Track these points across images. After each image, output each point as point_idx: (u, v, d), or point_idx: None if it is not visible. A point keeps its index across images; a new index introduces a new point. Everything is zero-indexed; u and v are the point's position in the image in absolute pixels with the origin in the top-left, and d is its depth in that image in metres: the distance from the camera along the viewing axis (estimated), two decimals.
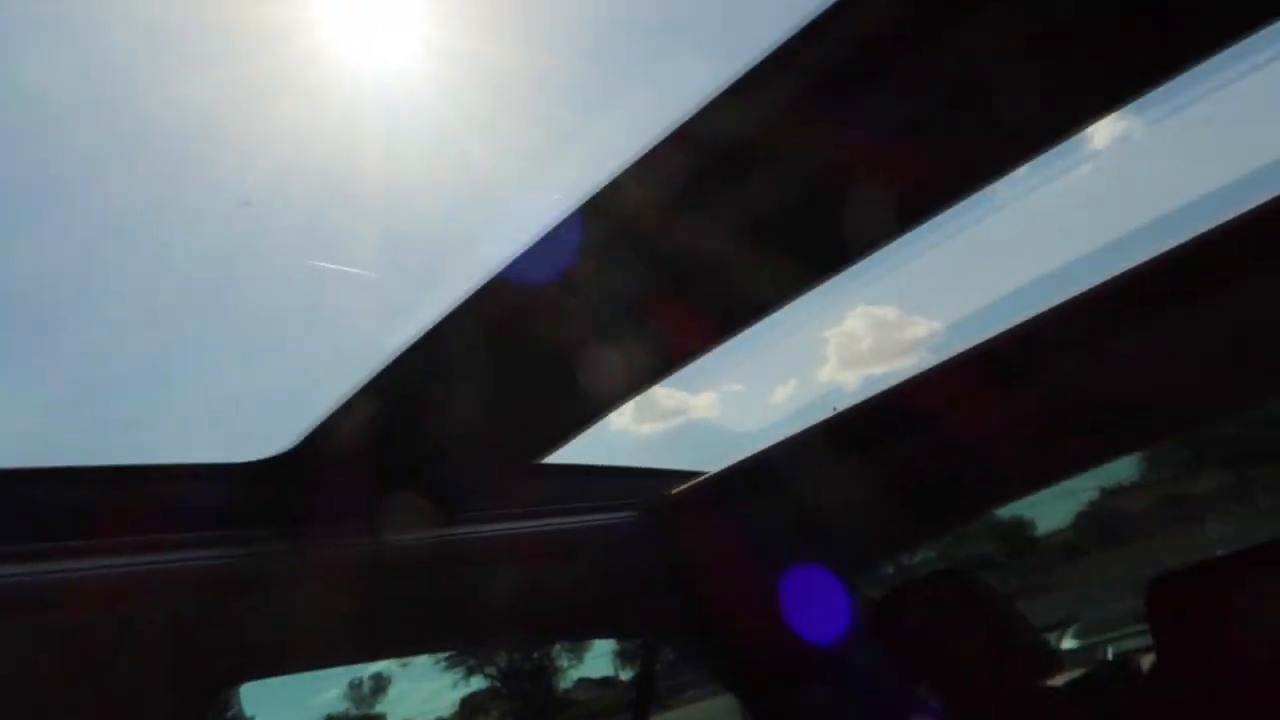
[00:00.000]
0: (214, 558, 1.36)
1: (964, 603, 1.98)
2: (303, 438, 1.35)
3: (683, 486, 2.25)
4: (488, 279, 1.10)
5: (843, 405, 2.06)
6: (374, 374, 1.23)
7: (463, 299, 1.13)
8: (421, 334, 1.17)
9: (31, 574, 1.22)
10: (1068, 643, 2.75)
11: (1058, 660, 2.00)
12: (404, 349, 1.20)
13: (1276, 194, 1.45)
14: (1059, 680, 2.12)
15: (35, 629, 1.22)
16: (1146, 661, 2.08)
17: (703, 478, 2.25)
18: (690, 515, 2.24)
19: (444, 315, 1.15)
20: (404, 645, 1.91)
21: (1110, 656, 2.46)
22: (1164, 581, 1.74)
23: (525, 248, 1.06)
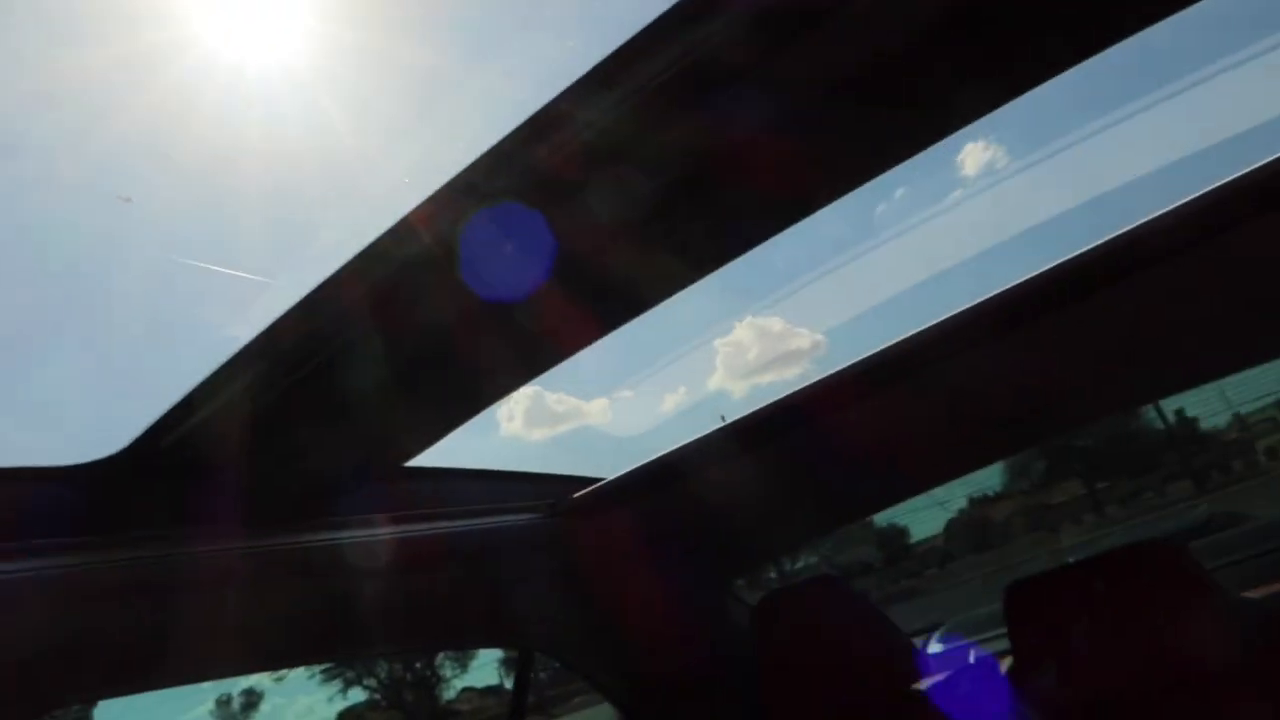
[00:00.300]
0: (48, 568, 1.23)
1: (836, 608, 2.03)
2: (137, 437, 1.24)
3: (572, 493, 2.22)
4: (338, 269, 1.04)
5: (730, 413, 2.09)
6: (219, 368, 1.14)
7: (312, 289, 1.06)
8: (271, 325, 1.09)
9: None
10: (934, 646, 2.86)
11: (925, 664, 2.07)
12: (251, 341, 1.11)
13: (1140, 220, 1.56)
14: (924, 684, 2.20)
15: None
16: (1006, 663, 2.20)
17: (594, 485, 2.23)
18: (579, 522, 2.21)
19: (292, 306, 1.08)
20: (265, 659, 1.79)
21: (973, 660, 2.58)
22: (1021, 587, 1.84)
23: (380, 238, 1.01)
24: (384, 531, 1.70)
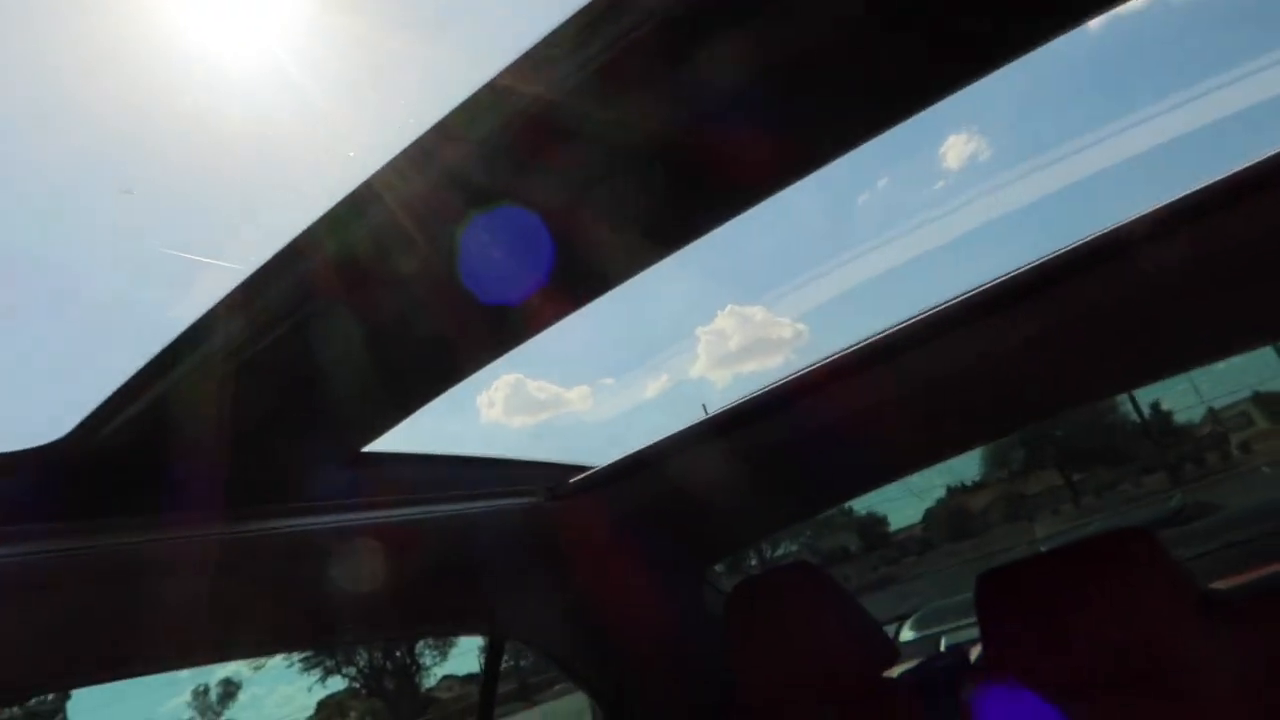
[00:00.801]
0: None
1: (809, 594, 2.03)
2: (81, 422, 1.21)
3: (551, 480, 2.21)
4: (287, 246, 1.01)
5: (711, 401, 2.11)
6: (165, 351, 1.11)
7: (259, 268, 1.03)
8: (218, 304, 1.06)
9: None
10: (906, 634, 2.89)
11: (895, 652, 2.08)
12: (198, 321, 1.08)
13: (1118, 214, 1.57)
14: (895, 671, 2.22)
15: None
16: (975, 651, 2.21)
17: (574, 473, 2.22)
18: (557, 509, 2.21)
19: (239, 284, 1.05)
20: (229, 649, 1.76)
21: (944, 647, 2.60)
22: (991, 576, 1.86)
23: (330, 212, 0.99)
24: (352, 517, 1.68)
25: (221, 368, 1.15)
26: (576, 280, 1.31)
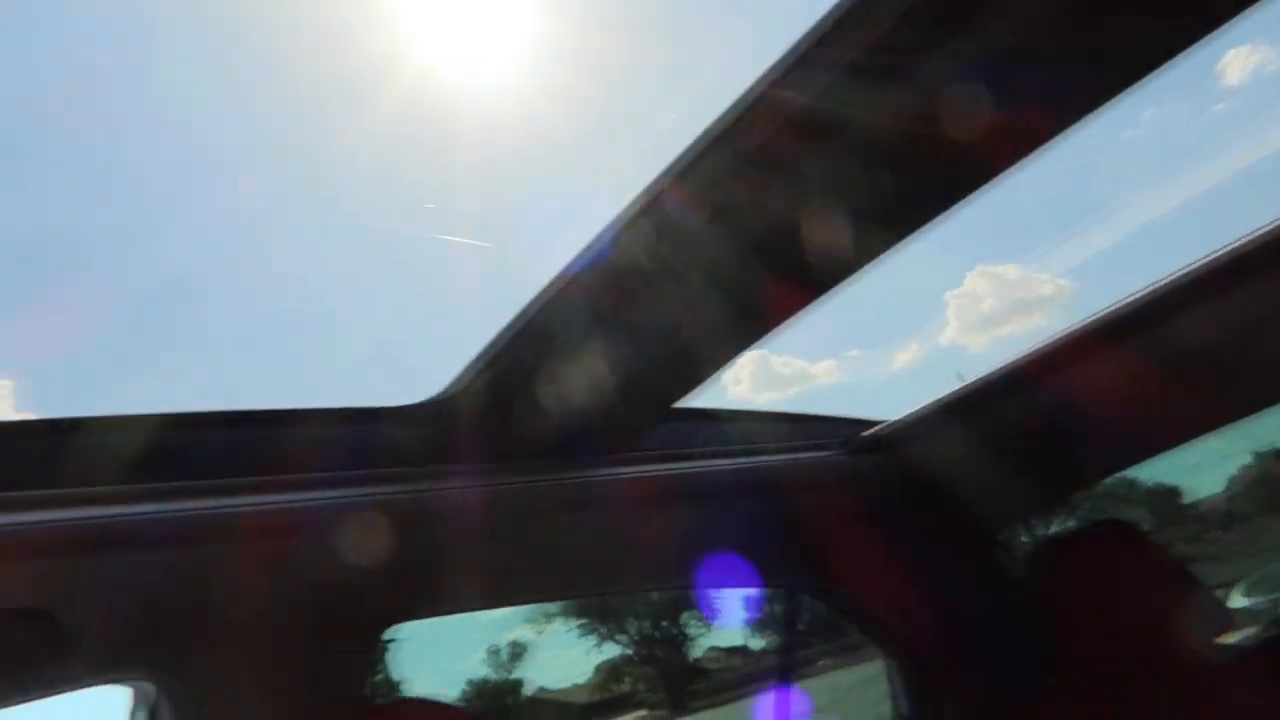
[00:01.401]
0: (376, 495, 1.47)
1: (1128, 554, 1.94)
2: (450, 385, 1.53)
3: (851, 434, 2.28)
4: (599, 247, 1.24)
5: (966, 368, 2.08)
6: (509, 329, 1.40)
7: (580, 267, 1.28)
8: (547, 298, 1.34)
9: (209, 508, 1.31)
10: (1237, 600, 2.64)
11: (1229, 618, 1.94)
12: (534, 310, 1.37)
13: None
14: (1232, 638, 2.06)
15: (211, 561, 1.30)
16: None
17: (873, 429, 2.27)
18: (854, 463, 2.26)
19: (556, 285, 1.32)
20: (553, 589, 2.00)
21: None
22: None
23: (621, 219, 1.20)
24: (669, 468, 1.85)
25: (558, 338, 1.44)
26: (826, 264, 1.43)
